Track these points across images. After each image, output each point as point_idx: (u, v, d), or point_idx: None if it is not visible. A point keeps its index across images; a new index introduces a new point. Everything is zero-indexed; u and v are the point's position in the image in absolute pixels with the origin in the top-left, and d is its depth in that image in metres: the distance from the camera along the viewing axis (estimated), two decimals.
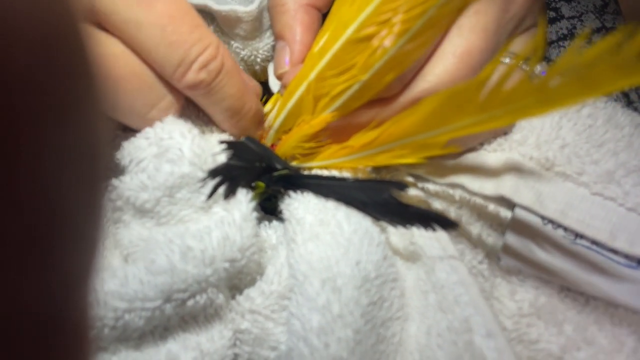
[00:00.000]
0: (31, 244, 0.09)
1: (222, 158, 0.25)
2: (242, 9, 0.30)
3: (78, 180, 0.10)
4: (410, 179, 0.29)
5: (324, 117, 0.27)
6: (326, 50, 0.26)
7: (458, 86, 0.21)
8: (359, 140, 0.26)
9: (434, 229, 0.23)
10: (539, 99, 0.18)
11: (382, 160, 0.26)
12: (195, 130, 0.25)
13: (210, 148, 0.25)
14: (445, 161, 0.28)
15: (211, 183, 0.24)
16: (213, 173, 0.24)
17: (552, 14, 0.35)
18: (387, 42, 0.23)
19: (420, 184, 0.28)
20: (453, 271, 0.24)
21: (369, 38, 0.24)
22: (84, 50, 0.10)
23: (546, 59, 0.35)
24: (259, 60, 0.34)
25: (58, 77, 0.09)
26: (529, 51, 0.20)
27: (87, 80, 0.10)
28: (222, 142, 0.25)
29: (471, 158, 0.28)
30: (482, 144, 0.28)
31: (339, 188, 0.25)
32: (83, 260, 0.10)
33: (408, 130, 0.24)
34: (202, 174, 0.24)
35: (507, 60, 0.28)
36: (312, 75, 0.26)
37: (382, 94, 0.26)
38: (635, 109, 0.35)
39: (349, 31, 0.24)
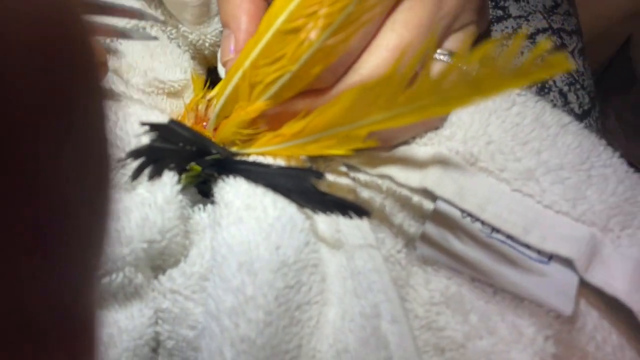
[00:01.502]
0: (37, 246, 0.09)
1: (145, 140, 0.25)
2: None
3: (88, 180, 0.10)
4: (344, 169, 0.29)
5: (259, 104, 0.28)
6: (259, 39, 0.26)
7: (372, 81, 0.22)
8: (289, 129, 0.27)
9: (350, 217, 0.24)
10: (437, 98, 0.19)
11: (313, 150, 0.27)
12: (120, 113, 0.25)
13: (135, 130, 0.25)
14: (378, 153, 0.29)
15: (134, 164, 0.24)
16: (135, 154, 0.24)
17: (500, 12, 0.36)
18: (313, 35, 0.24)
19: (352, 174, 0.29)
20: (370, 259, 0.25)
21: (297, 30, 0.25)
22: (86, 44, 0.10)
23: None
24: (207, 45, 0.35)
25: (63, 73, 0.09)
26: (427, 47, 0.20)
27: (91, 73, 0.10)
28: (143, 123, 0.25)
29: (402, 151, 0.29)
30: (414, 138, 0.29)
31: (266, 175, 0.26)
32: (89, 260, 0.10)
33: (331, 121, 0.24)
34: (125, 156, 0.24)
35: (440, 57, 0.29)
36: (247, 62, 0.27)
37: (315, 85, 0.27)
38: (572, 110, 0.36)
39: (278, 21, 0.25)
